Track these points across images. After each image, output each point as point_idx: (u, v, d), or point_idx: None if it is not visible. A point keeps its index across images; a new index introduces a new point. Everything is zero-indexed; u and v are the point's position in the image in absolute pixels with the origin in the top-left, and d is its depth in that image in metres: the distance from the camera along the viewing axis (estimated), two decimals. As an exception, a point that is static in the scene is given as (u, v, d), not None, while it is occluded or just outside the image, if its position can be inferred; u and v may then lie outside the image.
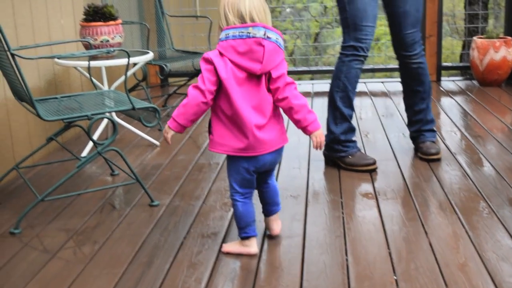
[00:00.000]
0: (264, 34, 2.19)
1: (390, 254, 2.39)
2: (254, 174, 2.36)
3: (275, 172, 2.57)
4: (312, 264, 2.33)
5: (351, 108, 3.45)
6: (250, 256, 2.40)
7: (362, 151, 3.59)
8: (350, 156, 3.41)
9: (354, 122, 3.55)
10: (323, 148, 2.36)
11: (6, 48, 2.65)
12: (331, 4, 20.37)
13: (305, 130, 2.32)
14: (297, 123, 2.32)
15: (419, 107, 3.58)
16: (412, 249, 2.43)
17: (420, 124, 3.59)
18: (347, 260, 2.36)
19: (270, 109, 2.29)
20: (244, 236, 2.40)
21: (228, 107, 2.25)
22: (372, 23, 3.33)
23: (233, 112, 2.24)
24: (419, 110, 3.58)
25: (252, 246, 2.41)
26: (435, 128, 3.65)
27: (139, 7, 5.46)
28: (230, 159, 2.37)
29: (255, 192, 2.49)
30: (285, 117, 2.37)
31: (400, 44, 3.47)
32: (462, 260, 2.32)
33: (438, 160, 3.47)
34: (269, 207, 2.51)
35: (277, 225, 2.56)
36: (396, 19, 3.42)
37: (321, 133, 2.33)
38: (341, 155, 3.42)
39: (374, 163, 3.38)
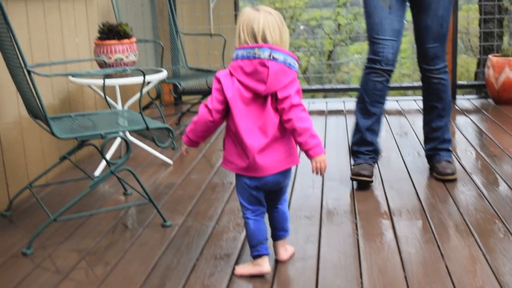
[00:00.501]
0: (270, 55, 2.19)
1: (406, 277, 2.35)
2: (260, 191, 2.34)
3: (287, 195, 2.52)
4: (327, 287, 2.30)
5: (370, 120, 3.46)
6: (263, 278, 2.37)
7: (377, 170, 3.56)
8: (353, 166, 3.45)
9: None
10: (323, 173, 2.33)
11: (23, 65, 2.65)
12: (344, 21, 20.43)
13: (306, 154, 2.29)
14: (300, 145, 2.30)
15: (436, 124, 3.55)
16: (428, 272, 2.38)
17: (436, 142, 3.56)
18: (362, 283, 2.32)
19: (275, 130, 2.26)
20: (256, 255, 2.38)
21: (233, 126, 2.26)
22: (391, 36, 3.35)
23: (236, 132, 2.25)
24: (436, 128, 3.55)
25: (264, 265, 2.37)
26: (451, 148, 3.61)
27: (154, 25, 5.48)
28: (236, 176, 2.37)
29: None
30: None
31: (423, 58, 3.50)
32: (479, 283, 2.27)
33: (454, 180, 3.43)
34: (277, 232, 2.48)
35: (284, 250, 2.52)
36: (419, 32, 3.45)
37: (322, 158, 2.27)
38: (351, 163, 3.47)
39: (370, 176, 3.36)
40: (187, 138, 2.37)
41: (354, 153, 3.52)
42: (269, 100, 2.25)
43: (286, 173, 2.36)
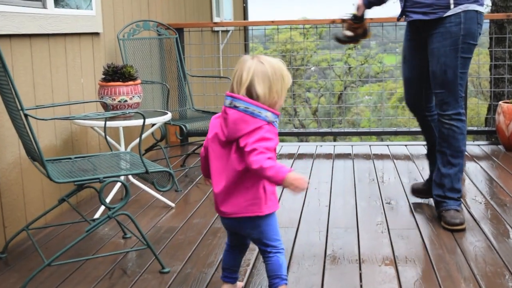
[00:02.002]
0: (231, 103, 2.22)
1: (410, 333, 2.25)
2: (226, 229, 2.46)
3: (279, 244, 2.41)
4: None
5: (430, 164, 3.81)
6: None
7: (384, 218, 3.48)
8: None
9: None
10: (303, 191, 2.25)
11: (19, 108, 2.61)
12: (355, 63, 20.51)
13: (278, 185, 2.25)
14: (271, 184, 2.30)
15: (446, 171, 3.47)
16: (434, 328, 2.28)
17: (444, 189, 3.47)
18: None
19: (233, 176, 2.26)
20: (221, 278, 2.55)
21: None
22: (405, 84, 3.70)
23: (210, 170, 2.36)
24: (445, 174, 3.47)
25: None
26: (460, 197, 3.52)
27: (162, 66, 5.47)
28: None
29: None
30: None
31: (435, 103, 3.58)
32: None
33: (463, 230, 3.34)
34: (270, 280, 2.38)
35: None
36: (429, 78, 3.52)
37: (289, 181, 2.15)
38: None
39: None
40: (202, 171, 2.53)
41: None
42: (234, 146, 2.26)
43: (245, 221, 2.32)
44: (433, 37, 3.41)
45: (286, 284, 2.37)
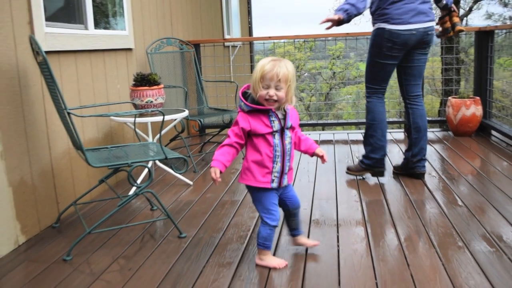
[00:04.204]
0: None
1: (376, 284, 2.15)
2: None
3: (260, 218, 2.34)
4: (310, 293, 2.10)
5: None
6: (255, 284, 2.18)
7: (358, 191, 3.38)
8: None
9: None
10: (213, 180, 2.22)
11: (64, 107, 2.52)
12: (338, 70, 20.30)
13: None
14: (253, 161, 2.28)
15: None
16: (396, 280, 2.18)
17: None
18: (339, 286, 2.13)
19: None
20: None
21: None
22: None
23: None
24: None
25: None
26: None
27: (183, 74, 5.36)
28: None
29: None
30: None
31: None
32: (439, 291, 2.07)
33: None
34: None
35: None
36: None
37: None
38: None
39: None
40: None
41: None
42: None
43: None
44: None
45: (260, 248, 2.34)
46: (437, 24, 3.59)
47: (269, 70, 2.13)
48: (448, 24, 3.57)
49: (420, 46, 3.48)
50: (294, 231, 2.49)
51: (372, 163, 3.68)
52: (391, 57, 3.48)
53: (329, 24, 3.35)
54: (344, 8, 3.33)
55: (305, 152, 2.37)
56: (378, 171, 3.71)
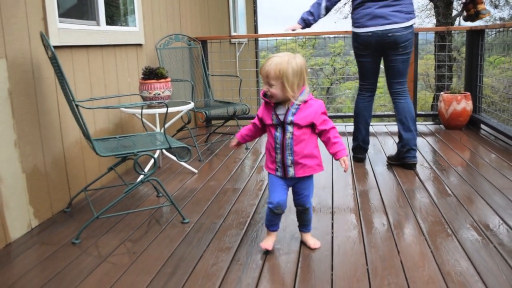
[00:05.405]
0: None
1: (367, 270, 2.10)
2: None
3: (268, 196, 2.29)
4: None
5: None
6: (255, 266, 2.13)
7: (352, 180, 3.32)
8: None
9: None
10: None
11: (72, 99, 2.46)
12: (339, 66, 20.15)
13: None
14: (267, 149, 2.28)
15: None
16: (386, 266, 2.13)
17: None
18: (332, 274, 2.06)
19: None
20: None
21: None
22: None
23: None
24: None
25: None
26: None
27: (191, 68, 5.30)
28: None
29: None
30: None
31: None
32: (426, 277, 2.01)
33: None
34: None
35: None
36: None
37: None
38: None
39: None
40: None
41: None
42: None
43: None
44: None
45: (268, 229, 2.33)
46: (462, 10, 3.57)
47: (263, 67, 2.09)
48: (472, 11, 3.51)
49: (391, 47, 3.50)
50: (299, 226, 2.41)
51: (352, 148, 3.93)
52: (362, 55, 3.64)
53: (292, 30, 3.65)
54: (303, 18, 3.61)
55: (332, 156, 2.25)
56: (356, 157, 3.90)
